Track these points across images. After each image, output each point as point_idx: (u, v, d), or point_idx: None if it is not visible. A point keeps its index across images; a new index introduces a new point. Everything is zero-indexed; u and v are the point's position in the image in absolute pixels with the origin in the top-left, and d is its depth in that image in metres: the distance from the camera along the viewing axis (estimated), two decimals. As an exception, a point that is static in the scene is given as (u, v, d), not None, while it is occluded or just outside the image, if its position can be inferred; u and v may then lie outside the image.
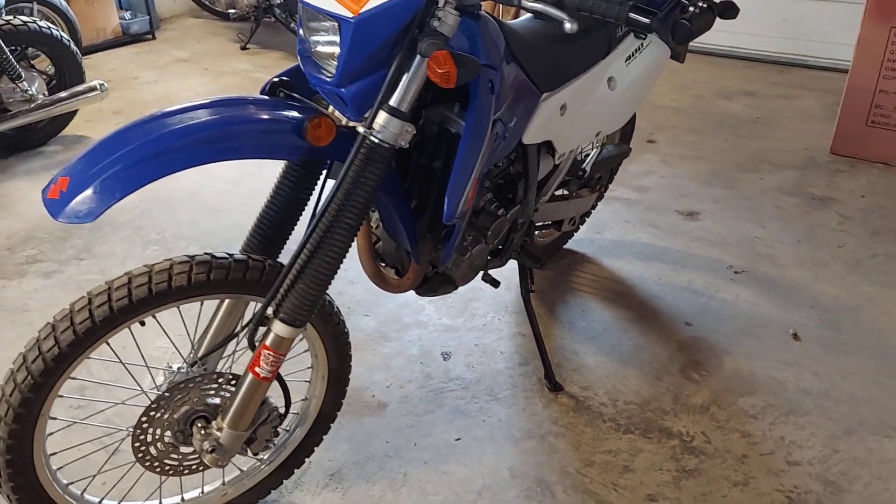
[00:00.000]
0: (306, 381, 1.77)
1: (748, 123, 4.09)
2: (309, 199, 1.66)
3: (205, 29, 6.06)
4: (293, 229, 1.68)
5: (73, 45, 3.66)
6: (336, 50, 1.39)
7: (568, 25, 1.30)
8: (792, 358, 2.30)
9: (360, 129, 1.43)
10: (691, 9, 1.41)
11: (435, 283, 1.92)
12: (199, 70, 5.05)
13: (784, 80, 4.72)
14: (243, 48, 5.51)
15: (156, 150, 1.32)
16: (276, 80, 1.59)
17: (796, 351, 2.33)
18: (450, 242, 1.72)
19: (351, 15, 1.33)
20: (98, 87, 3.62)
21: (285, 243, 1.68)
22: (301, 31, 1.48)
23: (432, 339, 2.40)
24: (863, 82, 3.53)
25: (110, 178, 1.29)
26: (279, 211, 1.64)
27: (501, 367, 2.29)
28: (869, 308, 2.53)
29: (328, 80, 1.43)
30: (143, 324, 1.47)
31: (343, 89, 1.41)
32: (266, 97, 1.56)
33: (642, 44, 2.14)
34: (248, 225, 1.68)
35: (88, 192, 1.28)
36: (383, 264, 1.92)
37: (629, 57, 2.10)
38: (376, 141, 1.42)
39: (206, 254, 1.48)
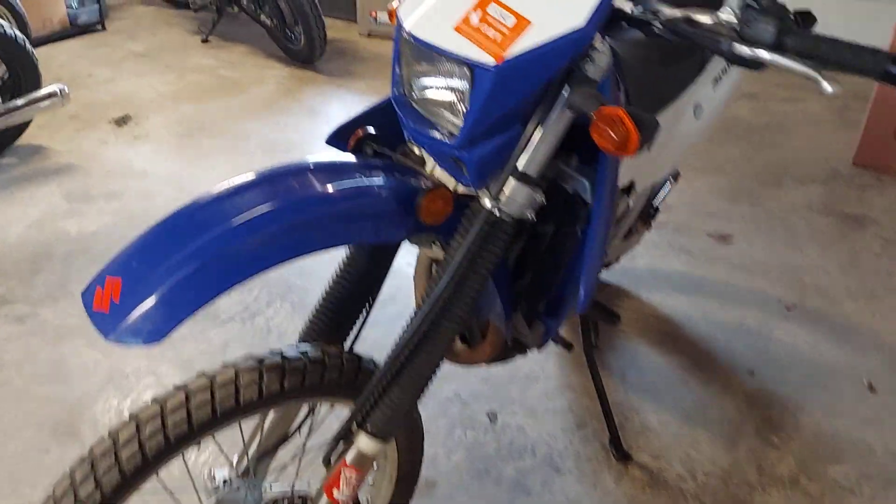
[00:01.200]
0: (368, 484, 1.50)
1: (758, 130, 3.92)
2: (384, 279, 1.39)
3: (158, 18, 5.62)
4: (361, 313, 1.40)
5: (28, 45, 3.26)
6: (455, 99, 1.12)
7: (829, 89, 1.00)
8: (872, 413, 2.12)
9: (487, 203, 1.16)
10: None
11: (507, 351, 1.67)
12: (158, 67, 4.64)
13: (784, 82, 4.57)
14: (204, 41, 5.11)
15: (233, 245, 1.03)
16: (361, 133, 1.31)
17: (875, 405, 2.15)
18: (558, 319, 1.46)
19: (492, 62, 1.04)
20: (58, 92, 3.23)
21: (352, 328, 1.41)
22: (400, 70, 1.20)
23: (472, 393, 2.15)
24: (891, 92, 3.38)
25: (180, 286, 0.99)
26: (348, 292, 1.37)
27: (556, 429, 2.05)
28: (934, 348, 2.38)
29: (444, 139, 1.15)
30: (199, 445, 1.18)
31: (465, 152, 1.13)
32: (352, 159, 1.27)
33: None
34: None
35: (149, 303, 0.98)
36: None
37: (716, 79, 1.86)
38: (499, 214, 1.16)
39: (273, 353, 1.19)
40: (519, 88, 1.08)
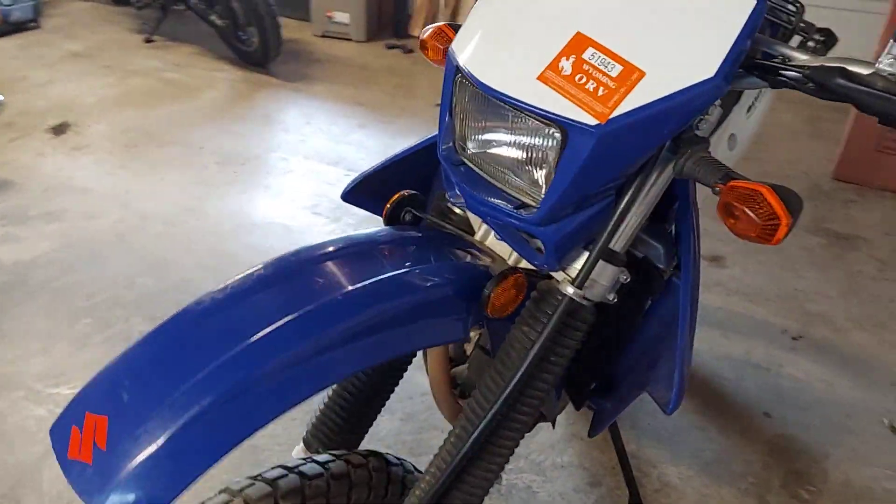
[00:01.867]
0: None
1: (734, 142, 3.77)
2: (401, 377, 1.15)
3: (97, 15, 5.20)
4: (376, 417, 1.16)
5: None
6: (534, 164, 0.88)
7: None
8: (899, 460, 1.96)
9: (569, 290, 0.92)
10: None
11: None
12: (98, 68, 4.26)
13: (752, 90, 4.44)
14: (148, 41, 4.73)
15: (257, 372, 0.76)
16: (400, 196, 1.06)
17: (901, 449, 1.99)
18: (619, 404, 1.23)
19: (594, 122, 0.80)
20: (-8, 101, 2.87)
21: (367, 430, 1.16)
22: (452, 120, 0.95)
23: (472, 449, 1.91)
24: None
25: (190, 431, 0.72)
26: (363, 395, 1.12)
27: (569, 488, 1.82)
28: (948, 381, 2.24)
29: (513, 210, 0.91)
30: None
31: (544, 229, 0.90)
32: (394, 233, 1.02)
33: (762, 89, 1.70)
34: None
35: (149, 453, 0.71)
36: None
37: (750, 107, 1.65)
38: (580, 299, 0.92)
39: (286, 470, 0.93)
40: (624, 154, 0.85)
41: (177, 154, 3.33)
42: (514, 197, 0.92)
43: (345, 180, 3.16)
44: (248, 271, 0.89)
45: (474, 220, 1.10)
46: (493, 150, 0.93)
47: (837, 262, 2.80)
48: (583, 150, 0.82)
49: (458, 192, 0.98)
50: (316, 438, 1.13)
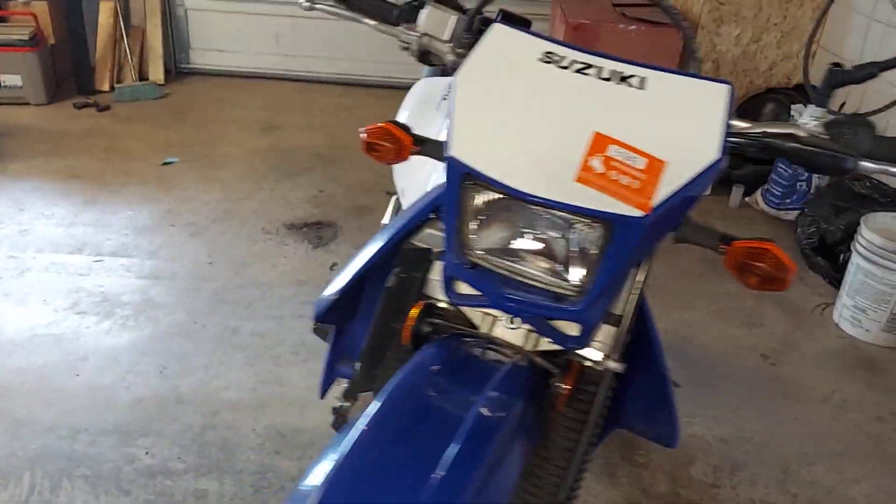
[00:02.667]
0: None
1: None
2: None
3: None
4: None
5: None
6: (571, 257, 0.91)
7: None
8: None
9: (612, 365, 0.97)
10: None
11: None
12: None
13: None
14: None
15: None
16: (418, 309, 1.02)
17: None
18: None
19: (640, 213, 0.85)
20: None
21: None
22: (460, 228, 0.94)
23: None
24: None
25: None
26: None
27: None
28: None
29: (555, 304, 0.93)
30: None
31: (588, 313, 0.93)
32: (451, 374, 0.98)
33: None
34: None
35: None
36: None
37: None
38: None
39: None
40: (656, 236, 0.92)
41: None
42: (547, 289, 0.94)
43: (97, 267, 2.83)
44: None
45: (473, 314, 1.07)
46: (518, 248, 0.94)
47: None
48: (631, 239, 0.87)
49: (479, 291, 0.97)
50: None
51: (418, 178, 1.73)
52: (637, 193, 0.85)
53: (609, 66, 0.92)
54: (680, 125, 0.89)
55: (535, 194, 0.88)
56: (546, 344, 1.03)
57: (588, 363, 1.00)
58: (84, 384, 2.22)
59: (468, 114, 0.94)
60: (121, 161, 3.70)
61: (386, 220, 2.34)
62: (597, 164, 0.87)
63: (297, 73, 4.93)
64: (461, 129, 0.93)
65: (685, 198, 0.89)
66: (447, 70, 2.06)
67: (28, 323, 2.47)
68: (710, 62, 4.16)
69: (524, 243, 0.94)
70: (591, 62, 0.92)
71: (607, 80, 0.91)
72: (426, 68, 2.15)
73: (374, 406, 0.87)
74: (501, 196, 0.91)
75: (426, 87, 1.92)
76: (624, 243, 0.88)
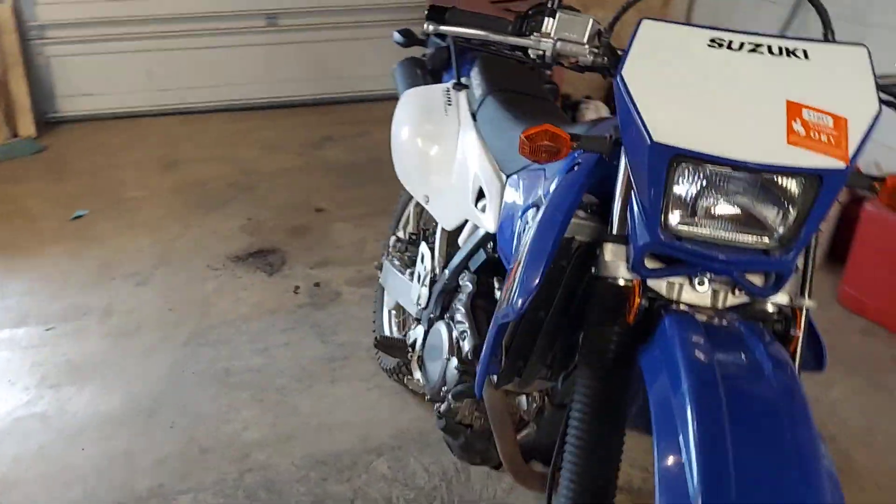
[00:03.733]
0: None
1: (377, 166, 4.01)
2: None
3: None
4: None
5: None
6: (776, 212, 1.01)
7: None
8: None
9: (807, 302, 1.08)
10: None
11: None
12: None
13: (345, 119, 4.73)
14: None
15: None
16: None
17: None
18: None
19: (843, 165, 0.95)
20: None
21: None
22: (669, 202, 1.01)
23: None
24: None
25: None
26: None
27: None
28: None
29: (767, 257, 1.02)
30: None
31: (793, 261, 1.02)
32: None
33: None
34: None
35: None
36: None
37: None
38: None
39: None
40: None
41: None
42: (751, 247, 1.01)
43: (50, 335, 2.63)
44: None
45: (659, 286, 1.11)
46: (720, 214, 1.01)
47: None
48: (835, 189, 0.97)
49: (689, 259, 1.03)
50: None
51: (452, 183, 1.75)
52: (836, 148, 0.95)
53: (774, 43, 1.01)
54: (844, 86, 1.00)
55: (759, 161, 0.95)
56: (732, 300, 1.09)
57: (784, 306, 1.08)
58: (96, 456, 2.07)
59: (653, 103, 0.99)
60: (26, 223, 3.41)
61: (410, 228, 2.32)
62: (799, 127, 0.95)
63: (175, 106, 4.71)
64: (654, 116, 0.98)
65: (865, 146, 0.99)
66: (430, 77, 2.10)
67: (4, 408, 2.25)
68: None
69: (724, 209, 1.01)
70: (758, 42, 1.01)
71: (778, 55, 1.00)
72: (401, 82, 2.16)
73: (683, 391, 0.88)
74: (713, 170, 0.98)
75: (421, 97, 1.93)
76: (831, 193, 0.97)
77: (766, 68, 1.00)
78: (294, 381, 2.37)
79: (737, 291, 1.08)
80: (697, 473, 0.81)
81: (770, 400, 0.89)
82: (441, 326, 1.66)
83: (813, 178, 0.96)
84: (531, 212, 1.32)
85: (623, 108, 1.02)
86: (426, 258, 1.86)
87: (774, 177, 0.98)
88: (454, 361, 1.57)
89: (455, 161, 1.78)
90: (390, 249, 2.26)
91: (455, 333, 1.61)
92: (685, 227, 1.02)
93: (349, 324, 2.66)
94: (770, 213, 1.00)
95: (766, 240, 1.01)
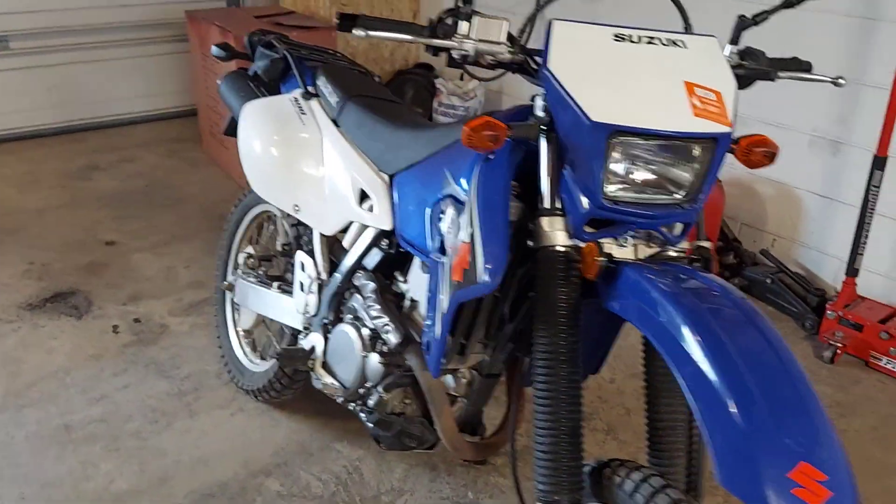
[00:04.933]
0: None
1: (156, 191, 3.74)
2: None
3: None
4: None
5: None
6: (689, 171, 1.18)
7: None
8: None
9: (706, 243, 1.25)
10: None
11: None
12: None
13: (103, 146, 4.33)
14: None
15: None
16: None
17: None
18: None
19: (728, 129, 1.15)
20: None
21: None
22: (607, 170, 1.14)
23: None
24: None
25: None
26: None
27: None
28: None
29: (680, 210, 1.19)
30: None
31: (697, 212, 1.20)
32: None
33: None
34: None
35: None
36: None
37: None
38: None
39: None
40: None
41: None
42: (668, 204, 1.18)
43: None
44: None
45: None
46: (650, 178, 1.15)
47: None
48: (725, 149, 1.17)
49: (624, 220, 1.17)
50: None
51: (326, 189, 1.75)
52: (722, 116, 1.15)
53: (662, 36, 1.18)
54: (712, 67, 1.20)
55: (678, 130, 1.12)
56: (647, 252, 1.23)
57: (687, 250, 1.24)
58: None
59: (582, 89, 1.12)
60: None
61: (262, 241, 2.27)
62: (696, 102, 1.14)
63: None
64: (587, 101, 1.11)
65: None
66: (265, 89, 2.05)
67: None
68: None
69: (646, 175, 1.16)
70: (651, 36, 1.17)
71: (667, 45, 1.16)
72: (234, 96, 2.08)
73: (686, 340, 1.00)
74: (641, 141, 1.12)
75: (268, 109, 1.88)
76: (722, 153, 1.16)
77: (662, 56, 1.19)
78: (148, 423, 2.19)
79: (650, 245, 1.24)
80: (714, 370, 0.96)
81: (738, 307, 1.07)
82: (345, 328, 1.67)
83: (710, 141, 1.16)
84: (447, 202, 1.39)
85: (555, 96, 1.15)
86: (307, 266, 1.83)
87: (686, 143, 1.15)
88: (374, 357, 1.59)
89: (324, 168, 1.78)
90: (242, 267, 2.18)
91: (365, 332, 1.63)
92: (621, 193, 1.16)
93: (187, 355, 2.51)
94: (680, 174, 1.18)
95: (677, 196, 1.19)
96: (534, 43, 1.29)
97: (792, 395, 0.94)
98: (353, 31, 1.20)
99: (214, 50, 2.13)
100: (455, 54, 1.24)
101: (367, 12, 4.38)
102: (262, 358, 2.30)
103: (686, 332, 1.00)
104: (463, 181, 1.36)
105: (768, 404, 0.91)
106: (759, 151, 1.22)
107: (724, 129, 1.16)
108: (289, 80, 2.01)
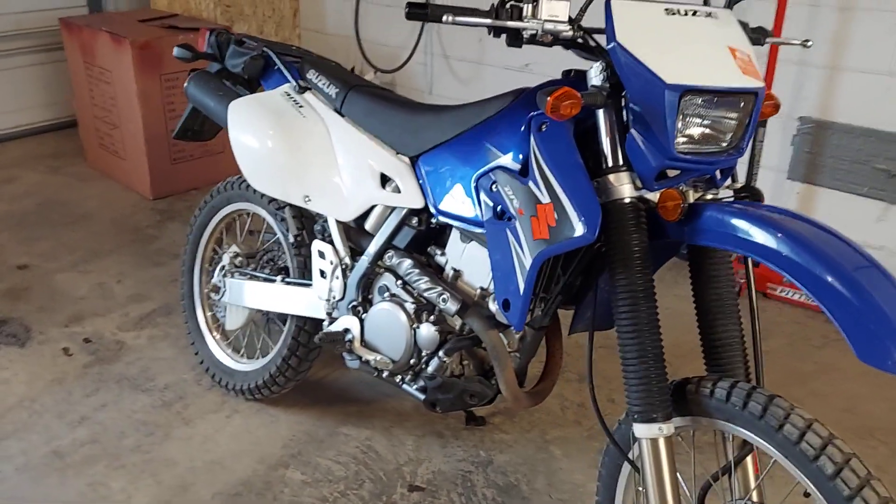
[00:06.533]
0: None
1: (52, 208, 3.47)
2: None
3: None
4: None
5: None
6: (734, 122, 1.34)
7: None
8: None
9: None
10: None
11: None
12: None
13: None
14: None
15: None
16: None
17: None
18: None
19: (762, 84, 1.33)
20: None
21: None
22: (676, 126, 1.29)
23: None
24: (155, 130, 3.55)
25: None
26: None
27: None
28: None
29: (729, 157, 1.35)
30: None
31: (742, 154, 1.37)
32: None
33: None
34: None
35: None
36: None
37: None
38: None
39: None
40: None
41: None
42: (720, 150, 1.33)
43: None
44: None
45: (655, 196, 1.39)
46: (707, 131, 1.31)
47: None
48: (762, 101, 1.34)
49: (690, 167, 1.32)
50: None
51: (341, 177, 1.78)
52: (757, 75, 1.34)
53: (700, 9, 1.35)
54: (737, 34, 1.39)
55: (742, 86, 1.29)
56: (695, 196, 1.39)
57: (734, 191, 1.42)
58: None
59: (651, 57, 1.27)
60: None
61: (240, 238, 2.24)
62: (740, 63, 1.32)
63: None
64: (659, 67, 1.26)
65: None
66: (244, 86, 2.02)
67: None
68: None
69: (700, 129, 1.31)
70: (691, 9, 1.33)
71: (705, 17, 1.34)
72: (210, 96, 2.03)
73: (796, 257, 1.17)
74: (706, 98, 1.27)
75: (261, 105, 1.86)
76: (759, 105, 1.34)
77: (705, 26, 1.37)
78: (144, 437, 2.10)
79: (696, 189, 1.41)
80: (828, 272, 1.15)
81: (813, 223, 1.27)
82: (385, 307, 1.72)
83: (752, 95, 1.35)
84: (498, 172, 1.49)
85: (629, 64, 1.28)
86: (327, 253, 1.85)
87: (737, 97, 1.33)
88: (426, 327, 1.66)
89: (336, 156, 1.81)
90: (229, 266, 2.13)
91: (409, 306, 1.69)
92: (686, 146, 1.32)
93: (158, 367, 2.41)
94: (729, 124, 1.36)
95: (724, 145, 1.36)
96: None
97: (886, 282, 1.16)
98: (443, 19, 1.27)
99: (177, 51, 2.06)
100: (526, 34, 1.34)
101: (248, 12, 4.37)
102: (250, 357, 2.27)
103: (792, 246, 1.19)
104: (515, 152, 1.47)
105: (876, 292, 1.11)
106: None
107: (761, 84, 1.36)
108: (270, 76, 2.00)
